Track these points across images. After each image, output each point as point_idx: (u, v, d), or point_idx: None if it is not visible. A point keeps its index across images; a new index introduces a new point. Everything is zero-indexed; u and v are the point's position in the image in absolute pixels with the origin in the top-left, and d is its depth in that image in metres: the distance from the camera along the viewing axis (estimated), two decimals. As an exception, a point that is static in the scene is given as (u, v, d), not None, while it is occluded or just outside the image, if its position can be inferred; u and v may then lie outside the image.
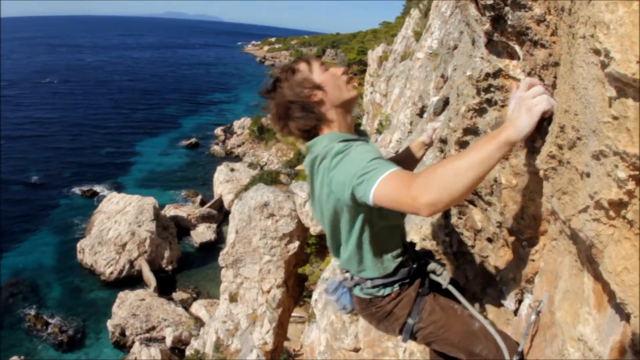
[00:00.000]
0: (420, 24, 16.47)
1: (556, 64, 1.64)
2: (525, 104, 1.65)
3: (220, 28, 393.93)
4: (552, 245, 1.99)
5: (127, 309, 25.83)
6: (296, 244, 13.96)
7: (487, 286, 2.71)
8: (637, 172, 1.13)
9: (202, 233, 34.99)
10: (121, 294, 26.89)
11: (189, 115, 66.40)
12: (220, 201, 37.92)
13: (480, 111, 2.20)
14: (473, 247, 2.74)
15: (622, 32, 1.04)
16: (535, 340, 2.09)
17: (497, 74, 1.99)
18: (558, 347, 1.78)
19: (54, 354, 24.86)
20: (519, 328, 2.28)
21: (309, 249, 16.26)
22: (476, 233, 2.66)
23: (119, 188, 40.59)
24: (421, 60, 9.67)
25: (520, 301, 2.43)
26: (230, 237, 14.75)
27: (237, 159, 49.45)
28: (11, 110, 60.07)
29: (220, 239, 33.05)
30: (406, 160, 2.70)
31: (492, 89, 2.06)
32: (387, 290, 2.23)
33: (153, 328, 25.23)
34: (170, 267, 31.06)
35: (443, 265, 2.32)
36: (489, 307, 2.70)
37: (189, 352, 19.00)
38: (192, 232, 35.04)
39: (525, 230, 2.21)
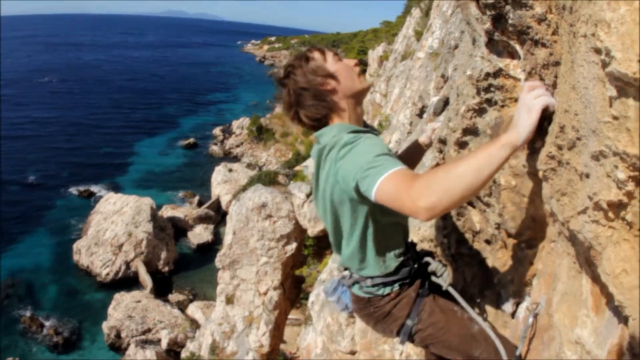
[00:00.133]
0: (421, 24, 16.48)
1: (557, 64, 1.64)
2: (525, 105, 1.65)
3: (220, 27, 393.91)
4: (551, 247, 1.98)
5: (123, 311, 25.75)
6: (294, 245, 13.94)
7: (485, 288, 2.71)
8: (637, 173, 1.12)
9: (199, 234, 34.93)
10: (117, 296, 26.79)
11: (188, 115, 66.30)
12: (217, 202, 37.86)
13: (480, 111, 2.19)
14: (471, 248, 2.73)
15: (624, 31, 1.04)
16: (533, 343, 2.08)
17: (498, 73, 1.99)
18: (555, 350, 1.78)
19: (49, 356, 24.72)
20: (517, 331, 2.27)
21: (307, 250, 16.25)
22: (474, 234, 2.65)
23: (116, 188, 40.44)
24: (422, 60, 9.67)
25: (518, 303, 2.42)
26: (228, 238, 14.73)
27: (236, 159, 49.40)
28: (9, 109, 59.82)
29: (217, 240, 33.00)
30: (405, 160, 2.67)
31: (492, 89, 2.06)
32: (387, 290, 2.21)
33: (149, 330, 25.15)
34: (166, 269, 30.96)
35: (444, 266, 2.31)
36: (487, 310, 2.69)
37: (184, 354, 18.93)
38: (189, 233, 34.96)
39: (523, 232, 2.21)
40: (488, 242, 2.55)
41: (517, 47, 1.85)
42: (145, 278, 29.15)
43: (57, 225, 35.39)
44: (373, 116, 17.87)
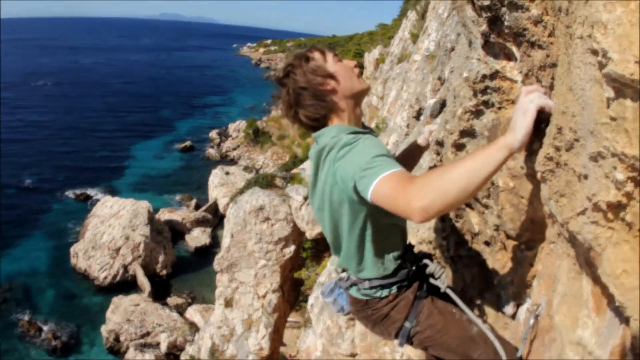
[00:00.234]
0: (417, 26, 16.49)
1: (553, 65, 1.64)
2: (521, 108, 1.64)
3: (216, 30, 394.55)
4: (550, 248, 1.98)
5: (122, 314, 25.70)
6: (292, 248, 13.93)
7: (484, 290, 2.70)
8: (635, 174, 1.12)
9: (197, 237, 34.89)
10: (115, 299, 26.74)
11: (184, 118, 66.26)
12: (215, 205, 37.84)
13: (477, 113, 2.19)
14: (470, 250, 2.73)
15: (620, 32, 1.04)
16: (534, 345, 2.08)
17: (494, 75, 1.99)
18: (557, 351, 1.77)
19: (47, 360, 24.75)
20: (517, 332, 2.27)
21: (305, 253, 16.25)
22: (473, 236, 2.65)
23: (113, 192, 40.46)
24: (418, 63, 9.67)
25: (518, 305, 2.42)
26: (225, 241, 14.70)
27: (233, 162, 49.36)
28: (7, 113, 59.72)
29: (215, 244, 32.94)
30: (402, 162, 2.66)
31: (488, 91, 2.05)
32: (385, 292, 2.20)
33: (147, 333, 25.10)
34: (164, 272, 30.92)
35: (442, 267, 2.30)
36: (487, 311, 2.69)
37: (183, 357, 18.90)
38: (186, 237, 34.93)
39: (523, 234, 2.20)
40: (487, 243, 2.55)
41: (514, 49, 1.85)
42: (143, 281, 29.09)
43: (54, 228, 35.31)
44: (370, 118, 17.88)
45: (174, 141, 55.92)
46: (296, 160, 33.66)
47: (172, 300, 28.66)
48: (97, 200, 36.98)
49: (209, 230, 35.70)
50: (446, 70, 5.13)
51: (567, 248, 1.73)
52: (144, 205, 32.46)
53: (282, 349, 17.03)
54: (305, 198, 13.13)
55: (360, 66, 33.35)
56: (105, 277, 29.58)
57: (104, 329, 25.31)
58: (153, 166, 48.47)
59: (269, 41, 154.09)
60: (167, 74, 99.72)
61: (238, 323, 14.62)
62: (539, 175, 1.74)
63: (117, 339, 24.92)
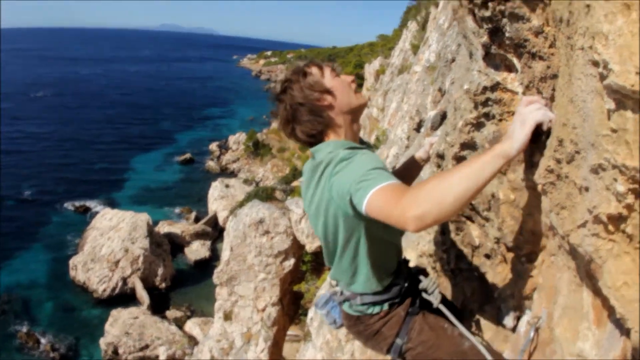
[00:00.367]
0: (417, 37, 16.55)
1: (554, 77, 1.64)
2: (520, 118, 1.65)
3: (216, 41, 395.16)
4: (551, 260, 1.97)
5: (120, 327, 25.53)
6: (292, 261, 13.88)
7: (485, 303, 2.69)
8: (636, 186, 1.12)
9: (197, 250, 34.75)
10: (114, 312, 26.56)
11: (184, 130, 66.16)
12: (214, 218, 37.75)
13: (478, 125, 2.19)
14: (471, 263, 2.72)
15: (621, 43, 1.04)
16: (534, 357, 2.07)
17: (495, 87, 1.99)
18: (558, 364, 1.76)
19: (46, 372, 24.58)
20: (518, 345, 2.25)
21: (305, 266, 16.17)
22: (474, 249, 2.64)
23: (112, 204, 40.28)
24: (418, 74, 9.71)
25: (518, 318, 2.41)
26: (225, 254, 14.65)
27: (232, 174, 49.27)
28: (6, 124, 59.69)
29: (214, 257, 32.77)
30: (403, 175, 2.67)
31: (489, 103, 2.06)
32: (376, 309, 2.20)
33: (146, 347, 24.92)
34: (163, 285, 30.77)
35: (435, 283, 2.30)
36: (488, 324, 2.68)
37: (182, 370, 18.82)
38: (186, 249, 34.78)
39: (523, 246, 2.20)
40: (488, 256, 2.54)
41: (515, 60, 1.85)
42: (142, 294, 28.96)
43: (53, 241, 35.17)
44: (370, 130, 17.89)
45: (174, 153, 55.82)
46: (296, 173, 33.65)
47: (171, 313, 28.49)
48: (97, 213, 36.83)
49: (208, 243, 35.57)
50: (447, 81, 5.15)
51: (567, 260, 1.72)
52: (143, 218, 32.38)
53: (281, 363, 16.93)
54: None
55: (361, 77, 33.43)
56: (104, 290, 29.45)
57: (102, 342, 25.13)
58: (153, 178, 48.37)
59: (269, 53, 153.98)
60: (166, 85, 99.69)
61: (237, 336, 14.54)
62: (539, 187, 1.74)
63: (115, 352, 24.74)
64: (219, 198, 39.08)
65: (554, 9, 1.53)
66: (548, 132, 1.66)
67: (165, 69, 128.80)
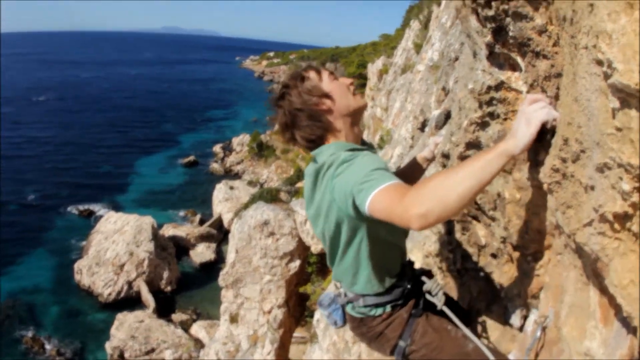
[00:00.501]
0: (420, 36, 16.52)
1: (559, 75, 1.64)
2: (524, 116, 1.65)
3: (218, 43, 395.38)
4: (557, 259, 1.97)
5: (126, 331, 25.55)
6: (297, 263, 13.88)
7: (492, 303, 2.69)
8: (641, 184, 1.12)
9: (202, 253, 34.77)
10: (119, 316, 26.59)
11: (187, 132, 66.19)
12: (219, 220, 37.73)
13: (483, 125, 2.20)
14: (477, 263, 2.72)
15: (625, 42, 1.04)
16: (542, 356, 2.07)
17: (499, 86, 1.99)
18: (565, 362, 1.76)
19: (52, 377, 24.62)
20: (525, 344, 2.25)
21: (310, 268, 16.16)
22: (480, 249, 2.64)
23: (116, 207, 40.32)
24: (422, 73, 9.69)
25: (525, 317, 2.41)
26: (230, 256, 14.66)
27: (237, 176, 49.28)
28: (8, 128, 59.88)
29: (220, 259, 32.77)
30: (408, 175, 2.67)
31: (494, 102, 2.06)
32: (379, 311, 2.21)
33: (152, 350, 24.94)
34: (169, 288, 30.79)
35: (438, 285, 2.29)
36: (494, 324, 2.68)
37: (189, 373, 18.81)
38: (191, 252, 34.80)
39: (529, 245, 2.20)
40: (494, 256, 2.54)
41: (519, 59, 1.85)
42: (147, 298, 28.99)
43: (57, 245, 35.24)
44: (374, 130, 17.86)
45: (178, 156, 55.87)
46: (300, 174, 33.59)
47: (177, 316, 28.51)
48: (101, 216, 36.89)
49: (213, 245, 35.58)
50: (450, 80, 5.14)
51: (574, 259, 1.73)
52: (147, 221, 32.42)
53: (287, 365, 16.93)
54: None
55: (364, 77, 33.29)
56: (110, 294, 29.49)
57: (108, 346, 25.16)
58: (157, 181, 48.40)
59: (271, 54, 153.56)
60: (169, 87, 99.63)
61: (243, 339, 14.55)
62: (545, 186, 1.74)
63: (121, 356, 24.76)
64: (223, 200, 39.08)
65: (558, 7, 1.53)
66: (552, 131, 1.67)
67: (167, 72, 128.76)
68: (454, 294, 3.01)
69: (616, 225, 1.23)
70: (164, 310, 28.61)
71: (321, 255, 14.35)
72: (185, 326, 27.22)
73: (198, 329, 26.49)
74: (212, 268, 32.18)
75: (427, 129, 5.66)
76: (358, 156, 1.88)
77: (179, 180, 49.48)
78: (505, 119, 2.07)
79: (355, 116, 2.16)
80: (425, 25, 15.69)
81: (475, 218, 2.59)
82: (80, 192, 43.86)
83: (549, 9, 1.60)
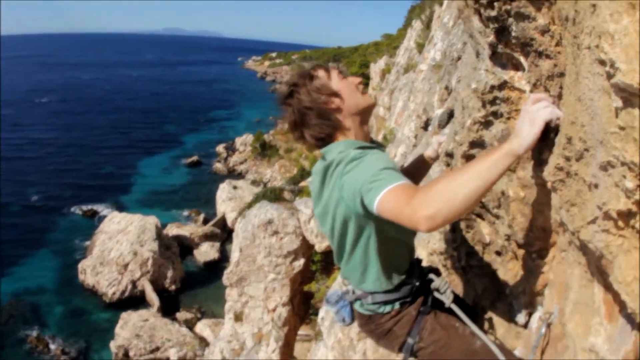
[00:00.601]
0: (422, 36, 16.51)
1: (562, 75, 1.65)
2: (528, 116, 1.65)
3: (220, 44, 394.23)
4: (562, 256, 1.98)
5: (131, 330, 25.58)
6: (301, 261, 13.87)
7: (496, 300, 2.70)
8: (645, 182, 1.13)
9: (206, 252, 34.76)
10: (124, 315, 26.59)
11: (190, 132, 66.02)
12: (223, 219, 37.71)
13: (486, 124, 2.20)
14: (481, 260, 2.73)
15: (627, 42, 1.05)
16: (547, 353, 2.07)
17: (503, 86, 2.00)
18: (570, 358, 1.77)
19: (57, 376, 24.65)
20: (530, 341, 2.26)
21: (315, 266, 16.17)
22: (484, 246, 2.65)
23: (120, 207, 40.29)
24: (424, 72, 9.69)
25: (530, 314, 2.41)
26: (234, 255, 14.65)
27: (240, 176, 49.20)
28: (9, 130, 59.89)
29: (224, 258, 32.77)
30: (412, 174, 2.67)
31: (497, 101, 2.07)
32: (388, 308, 2.21)
33: (157, 349, 24.96)
34: (173, 287, 30.79)
35: (447, 282, 2.30)
36: (499, 321, 2.69)
37: (193, 372, 18.82)
38: (195, 251, 34.79)
39: (534, 243, 2.20)
40: (498, 253, 2.55)
41: (521, 59, 1.86)
42: (152, 297, 29.01)
43: (61, 245, 35.25)
44: (377, 130, 17.85)
45: (181, 156, 55.77)
46: (304, 173, 33.63)
47: (182, 315, 28.51)
48: (105, 217, 36.80)
49: (217, 244, 35.55)
50: (453, 79, 5.15)
51: (578, 256, 1.73)
52: (151, 221, 32.41)
53: (292, 363, 16.94)
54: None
55: (367, 77, 33.29)
56: (114, 293, 29.51)
57: (113, 345, 25.19)
58: (160, 181, 48.35)
59: (274, 54, 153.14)
60: (171, 89, 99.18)
61: (248, 337, 14.56)
62: (549, 184, 1.75)
63: (126, 355, 24.79)
64: (227, 199, 39.05)
65: (560, 7, 1.54)
66: (556, 130, 1.67)
67: (169, 73, 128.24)
68: (458, 291, 3.02)
69: (620, 223, 1.24)
70: (168, 309, 28.61)
71: (325, 254, 14.36)
72: (190, 325, 27.22)
73: (203, 328, 26.50)
74: (216, 267, 32.20)
75: (430, 128, 5.67)
76: (367, 154, 1.88)
77: (182, 180, 49.42)
78: (508, 118, 2.08)
79: (364, 115, 2.17)
80: (427, 25, 15.68)
81: (480, 216, 2.60)
82: (84, 193, 43.80)
83: (552, 9, 1.60)
